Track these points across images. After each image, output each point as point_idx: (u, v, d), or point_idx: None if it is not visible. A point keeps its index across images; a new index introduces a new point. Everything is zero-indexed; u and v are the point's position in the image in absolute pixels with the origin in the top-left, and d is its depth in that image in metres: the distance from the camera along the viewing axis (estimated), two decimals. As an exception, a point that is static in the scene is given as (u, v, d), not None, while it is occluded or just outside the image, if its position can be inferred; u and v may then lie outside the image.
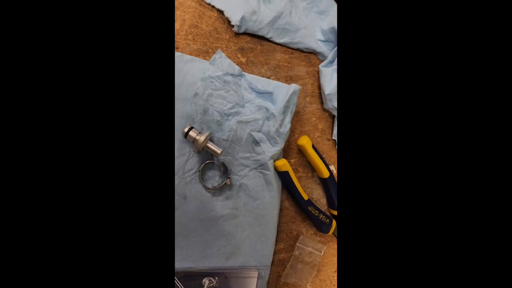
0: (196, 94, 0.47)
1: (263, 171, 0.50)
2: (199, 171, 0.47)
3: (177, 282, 0.46)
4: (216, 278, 0.48)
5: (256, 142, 0.50)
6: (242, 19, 0.47)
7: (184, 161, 0.47)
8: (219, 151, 0.45)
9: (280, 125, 0.49)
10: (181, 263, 0.47)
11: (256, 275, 0.51)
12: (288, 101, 0.49)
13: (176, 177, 0.46)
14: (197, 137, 0.44)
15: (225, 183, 0.47)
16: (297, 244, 0.53)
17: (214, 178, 0.49)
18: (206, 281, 0.47)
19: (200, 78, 0.47)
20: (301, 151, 0.54)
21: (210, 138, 0.47)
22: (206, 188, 0.47)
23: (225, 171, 0.48)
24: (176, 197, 0.46)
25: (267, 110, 0.50)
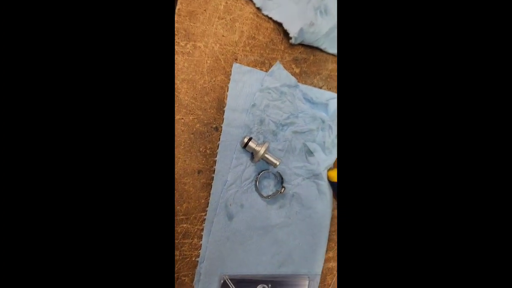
0: (254, 105, 0.47)
1: (316, 181, 0.50)
2: (255, 180, 0.47)
3: (231, 286, 0.46)
4: (270, 285, 0.49)
5: (310, 152, 0.50)
6: (300, 31, 0.47)
7: (242, 171, 0.47)
8: (277, 162, 0.45)
9: (336, 136, 0.49)
10: (237, 269, 0.47)
11: (307, 283, 0.51)
12: (343, 112, 0.49)
13: (233, 186, 0.47)
14: (257, 148, 0.44)
15: (280, 192, 0.48)
16: (346, 253, 0.52)
17: (269, 187, 0.49)
18: (260, 288, 0.48)
19: (258, 89, 0.47)
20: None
21: (268, 149, 0.47)
22: (262, 197, 0.48)
23: (281, 180, 0.48)
24: (234, 205, 0.47)
25: (323, 121, 0.50)
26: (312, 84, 0.52)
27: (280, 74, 0.48)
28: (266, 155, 0.45)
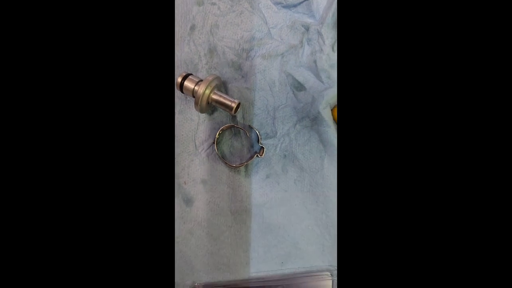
0: (193, 27, 0.29)
1: (316, 127, 0.30)
2: (214, 142, 0.29)
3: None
4: (270, 292, 0.31)
5: (298, 84, 0.30)
6: None
7: (193, 130, 0.29)
8: (233, 104, 0.26)
9: (332, 47, 0.28)
10: (214, 274, 0.30)
11: (330, 282, 0.31)
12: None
13: (185, 154, 0.29)
14: (197, 88, 0.26)
15: (257, 155, 0.29)
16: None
17: (243, 149, 0.30)
18: (255, 298, 0.30)
19: (195, 2, 0.29)
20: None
21: (219, 87, 0.29)
22: (230, 166, 0.29)
23: (256, 137, 0.30)
24: (190, 183, 0.29)
25: (307, 28, 0.29)
26: (287, -19, 0.32)
27: (223, -32, 0.29)
28: (214, 96, 0.27)
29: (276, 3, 0.30)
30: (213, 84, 0.26)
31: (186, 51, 0.29)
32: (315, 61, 0.29)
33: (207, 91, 0.26)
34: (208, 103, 0.27)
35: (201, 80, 0.27)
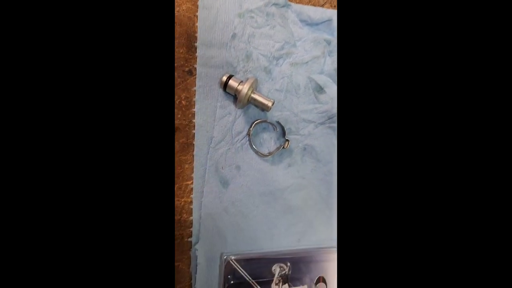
0: (234, 36, 0.33)
1: (333, 125, 0.35)
2: (248, 134, 0.34)
3: (238, 268, 0.34)
4: (289, 264, 0.35)
5: (320, 88, 0.35)
6: None
7: (231, 122, 0.34)
8: (269, 103, 0.31)
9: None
10: (243, 247, 0.35)
11: (336, 255, 0.37)
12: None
13: (223, 143, 0.34)
14: (240, 87, 0.31)
15: (283, 147, 0.34)
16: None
17: (271, 141, 0.35)
18: (276, 268, 0.35)
19: (237, 14, 0.33)
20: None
21: (257, 88, 0.33)
22: (260, 155, 0.34)
23: (282, 132, 0.34)
24: (227, 168, 0.34)
25: (328, 43, 0.34)
26: (310, 3, 0.37)
27: (262, -11, 0.34)
28: (254, 96, 0.31)
29: (303, 22, 0.35)
30: (254, 86, 0.31)
31: (227, 56, 0.33)
32: (335, 69, 0.34)
33: (249, 91, 0.31)
34: (248, 101, 0.31)
35: (242, 81, 0.31)
